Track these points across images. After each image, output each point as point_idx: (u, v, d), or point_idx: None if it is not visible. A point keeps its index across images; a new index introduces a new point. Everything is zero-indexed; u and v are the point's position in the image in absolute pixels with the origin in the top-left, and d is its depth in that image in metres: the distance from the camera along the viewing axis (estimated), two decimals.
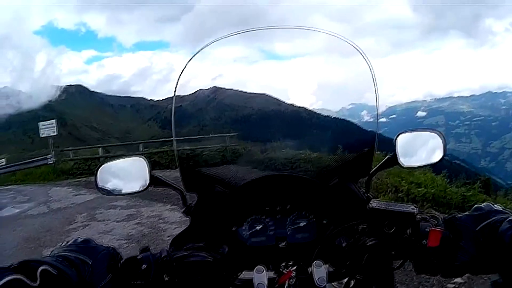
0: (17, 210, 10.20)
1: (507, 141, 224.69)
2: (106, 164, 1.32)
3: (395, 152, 1.30)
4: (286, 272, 1.13)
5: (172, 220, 7.62)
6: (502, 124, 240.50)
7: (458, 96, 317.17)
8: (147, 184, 1.27)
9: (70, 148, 20.04)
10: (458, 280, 4.04)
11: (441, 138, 1.32)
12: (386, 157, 1.33)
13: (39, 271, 0.76)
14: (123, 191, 1.31)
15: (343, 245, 1.17)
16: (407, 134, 1.34)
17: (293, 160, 1.58)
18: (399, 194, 7.81)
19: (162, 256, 1.03)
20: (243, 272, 1.21)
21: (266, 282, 1.07)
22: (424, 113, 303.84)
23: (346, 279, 1.16)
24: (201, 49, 1.33)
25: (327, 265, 1.17)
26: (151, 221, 7.87)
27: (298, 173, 1.41)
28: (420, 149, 1.36)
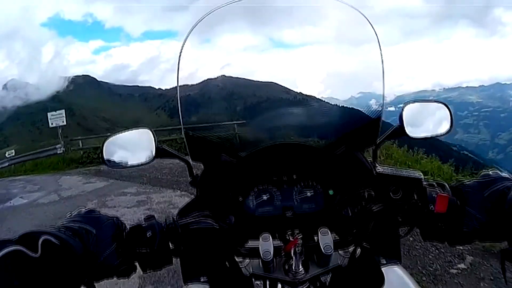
0: (27, 200, 10.25)
1: None
2: (112, 137, 1.31)
3: (402, 122, 1.28)
4: (292, 240, 1.12)
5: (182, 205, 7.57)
6: (511, 115, 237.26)
7: (467, 87, 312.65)
8: (153, 155, 1.27)
9: (79, 137, 20.11)
10: (461, 266, 4.08)
11: (448, 110, 1.31)
12: (393, 127, 1.30)
13: (41, 242, 0.76)
14: (129, 163, 1.30)
15: (349, 213, 1.18)
16: (414, 104, 1.33)
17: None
18: None
19: (168, 223, 1.04)
20: (249, 241, 1.21)
21: (272, 249, 1.06)
22: None
23: (352, 247, 1.16)
24: (196, 24, 1.28)
25: (333, 234, 1.16)
26: (161, 206, 7.96)
27: (305, 142, 1.40)
28: (427, 120, 1.34)
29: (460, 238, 1.00)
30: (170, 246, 1.04)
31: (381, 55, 1.26)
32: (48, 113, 18.97)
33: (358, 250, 1.16)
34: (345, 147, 1.33)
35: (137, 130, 1.33)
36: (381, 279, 1.11)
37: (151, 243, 0.98)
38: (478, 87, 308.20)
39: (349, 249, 1.17)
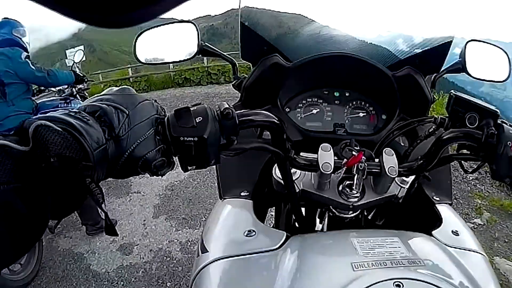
0: None
1: None
2: (147, 30, 1.16)
3: (464, 59, 1.19)
4: (356, 154, 0.92)
5: None
6: None
7: None
8: (194, 52, 1.15)
9: (99, 71, 20.06)
10: (478, 221, 3.97)
11: (507, 58, 1.24)
12: (454, 62, 1.20)
13: (31, 131, 0.56)
14: (166, 60, 1.20)
15: (401, 142, 1.09)
16: (477, 43, 1.25)
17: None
18: None
19: (222, 110, 0.75)
20: (301, 154, 0.97)
21: (333, 162, 0.89)
22: None
23: (412, 177, 1.02)
24: None
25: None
26: None
27: (365, 57, 1.19)
28: (486, 63, 1.24)
29: None
30: (223, 136, 0.75)
31: None
32: (66, 51, 18.70)
33: (416, 182, 1.02)
34: (408, 69, 1.18)
35: (178, 24, 1.18)
36: (438, 218, 1.01)
37: (201, 131, 0.71)
38: None
39: (406, 180, 1.02)
